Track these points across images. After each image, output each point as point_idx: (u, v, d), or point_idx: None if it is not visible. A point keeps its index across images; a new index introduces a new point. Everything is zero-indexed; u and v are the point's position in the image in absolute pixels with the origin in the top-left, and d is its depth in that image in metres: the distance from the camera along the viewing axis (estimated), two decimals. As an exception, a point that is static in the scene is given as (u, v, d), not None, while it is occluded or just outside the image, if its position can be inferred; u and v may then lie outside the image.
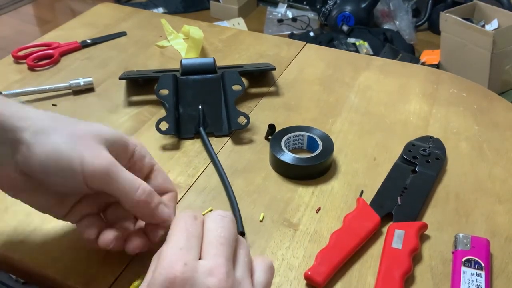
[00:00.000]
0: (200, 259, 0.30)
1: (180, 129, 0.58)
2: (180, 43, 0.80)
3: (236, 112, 0.58)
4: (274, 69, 0.67)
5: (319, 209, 0.48)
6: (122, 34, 0.82)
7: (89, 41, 0.79)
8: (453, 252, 0.43)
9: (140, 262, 0.42)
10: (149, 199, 0.37)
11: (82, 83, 0.66)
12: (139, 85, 0.68)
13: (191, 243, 0.31)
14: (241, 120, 0.58)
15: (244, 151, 0.56)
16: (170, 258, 0.29)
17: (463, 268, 0.41)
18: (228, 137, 0.58)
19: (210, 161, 0.54)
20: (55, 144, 0.35)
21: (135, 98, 0.66)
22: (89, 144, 0.36)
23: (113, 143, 0.38)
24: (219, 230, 0.32)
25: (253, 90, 0.68)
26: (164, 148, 0.56)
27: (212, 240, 0.31)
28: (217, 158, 0.54)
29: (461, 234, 0.44)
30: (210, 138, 0.57)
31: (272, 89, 0.68)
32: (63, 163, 0.35)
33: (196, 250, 0.30)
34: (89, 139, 0.36)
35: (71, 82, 0.66)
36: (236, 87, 0.60)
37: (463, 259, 0.41)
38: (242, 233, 0.44)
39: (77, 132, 0.36)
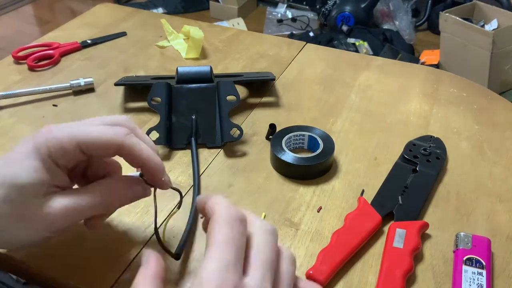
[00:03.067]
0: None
1: (171, 139, 0.56)
2: (180, 43, 0.80)
3: (229, 123, 0.56)
4: (274, 79, 0.66)
5: (320, 208, 0.48)
6: (122, 34, 0.82)
7: (89, 42, 0.79)
8: (454, 251, 0.43)
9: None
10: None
11: (82, 84, 0.66)
12: (137, 91, 0.66)
13: (238, 257, 0.27)
14: (234, 132, 0.56)
15: (245, 151, 0.56)
16: (218, 280, 0.26)
17: (464, 267, 0.41)
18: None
19: (210, 161, 0.54)
20: None
21: (132, 104, 0.65)
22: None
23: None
24: (267, 250, 0.29)
25: (252, 100, 0.67)
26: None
27: (260, 260, 0.28)
28: (198, 173, 0.52)
29: (462, 233, 0.44)
30: (203, 150, 0.56)
31: (272, 89, 0.68)
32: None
33: (241, 265, 0.27)
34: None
35: (72, 82, 0.66)
36: (231, 98, 0.58)
37: (464, 258, 0.41)
38: (178, 256, 0.41)
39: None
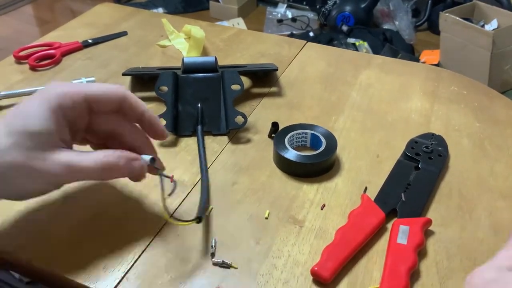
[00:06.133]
0: None
1: (178, 126, 0.58)
2: (181, 42, 0.80)
3: (234, 111, 0.58)
4: (277, 69, 0.68)
5: (323, 206, 0.48)
6: (123, 34, 0.82)
7: (90, 41, 0.79)
8: None
9: (146, 260, 0.42)
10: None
11: (84, 83, 0.66)
12: (144, 82, 0.68)
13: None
14: (239, 120, 0.57)
15: (248, 149, 0.56)
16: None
17: None
18: (233, 135, 0.58)
19: (214, 159, 0.55)
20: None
21: (139, 94, 0.66)
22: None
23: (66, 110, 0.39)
24: None
25: (256, 90, 0.68)
26: (163, 144, 0.56)
27: None
28: (205, 158, 0.53)
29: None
30: (209, 137, 0.58)
31: (274, 87, 0.68)
32: None
33: None
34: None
35: (74, 82, 0.66)
36: (235, 87, 0.60)
37: None
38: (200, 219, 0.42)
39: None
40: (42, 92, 0.38)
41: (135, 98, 0.42)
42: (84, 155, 0.38)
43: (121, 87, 0.42)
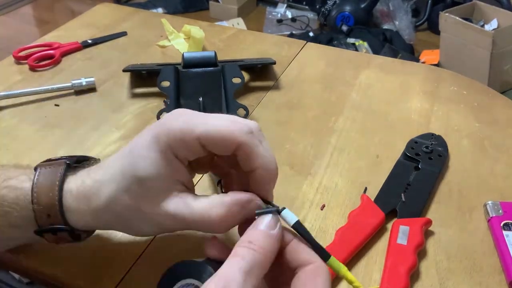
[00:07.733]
0: None
1: None
2: (181, 43, 0.80)
3: (235, 104, 0.59)
4: (274, 63, 0.69)
5: (323, 206, 0.48)
6: (123, 34, 0.82)
7: (90, 41, 0.79)
8: (488, 220, 0.46)
9: (146, 261, 0.42)
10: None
11: (84, 83, 0.66)
12: (143, 78, 0.69)
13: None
14: (241, 112, 0.58)
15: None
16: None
17: (504, 232, 0.43)
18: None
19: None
20: None
21: (139, 90, 0.67)
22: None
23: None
24: None
25: (255, 90, 0.68)
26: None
27: None
28: None
29: (490, 202, 0.47)
30: None
31: (273, 87, 0.68)
32: None
33: None
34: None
35: (73, 82, 0.66)
36: (236, 80, 0.61)
37: (502, 224, 0.44)
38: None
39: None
40: (151, 130, 0.33)
41: (252, 148, 0.33)
42: (195, 204, 0.33)
43: (246, 127, 0.33)
